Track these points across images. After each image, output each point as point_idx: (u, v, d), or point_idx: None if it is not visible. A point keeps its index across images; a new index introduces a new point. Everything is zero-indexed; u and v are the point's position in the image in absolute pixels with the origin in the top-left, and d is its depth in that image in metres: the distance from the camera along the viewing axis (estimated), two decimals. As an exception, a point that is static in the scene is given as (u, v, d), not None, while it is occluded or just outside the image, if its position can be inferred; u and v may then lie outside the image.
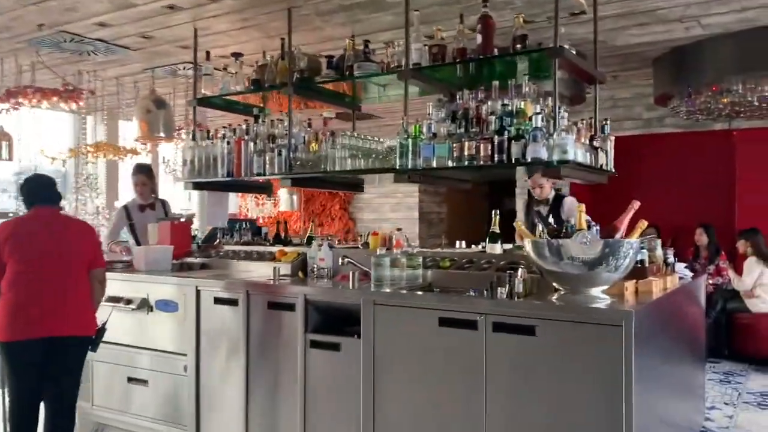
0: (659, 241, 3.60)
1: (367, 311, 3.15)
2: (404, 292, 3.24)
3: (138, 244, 4.86)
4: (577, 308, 2.69)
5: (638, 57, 6.02)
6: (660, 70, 6.16)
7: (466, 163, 3.42)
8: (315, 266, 3.95)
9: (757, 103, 5.44)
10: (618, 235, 2.89)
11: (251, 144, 4.29)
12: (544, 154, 3.22)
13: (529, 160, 3.25)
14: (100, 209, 6.37)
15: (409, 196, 10.14)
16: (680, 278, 3.64)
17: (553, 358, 2.67)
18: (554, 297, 2.88)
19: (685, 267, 3.93)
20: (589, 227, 3.06)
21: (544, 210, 4.64)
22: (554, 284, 2.96)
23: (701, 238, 6.84)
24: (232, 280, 3.71)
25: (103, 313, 3.60)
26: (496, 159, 3.33)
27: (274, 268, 3.79)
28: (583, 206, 2.98)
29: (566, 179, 3.56)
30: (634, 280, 3.03)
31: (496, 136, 3.34)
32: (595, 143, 3.63)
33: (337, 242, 4.75)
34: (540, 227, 3.10)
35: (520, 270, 3.07)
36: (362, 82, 4.39)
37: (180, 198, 8.67)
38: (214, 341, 3.71)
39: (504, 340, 2.79)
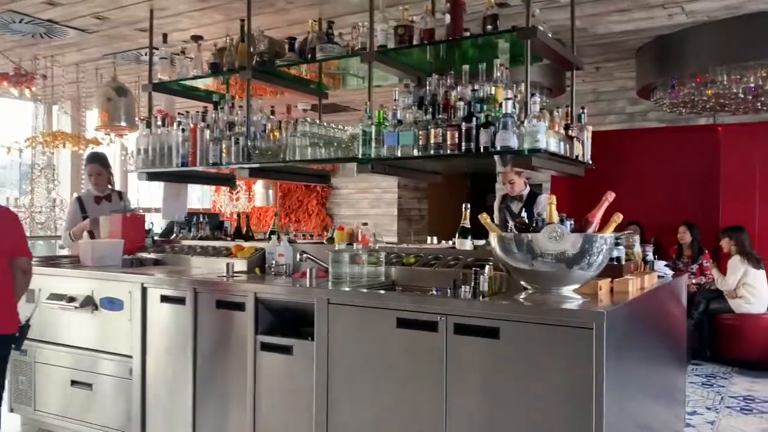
0: (637, 238, 3.37)
1: (321, 311, 2.90)
2: (364, 290, 2.98)
3: (92, 238, 4.57)
4: (544, 309, 2.45)
5: (621, 47, 5.81)
6: (643, 60, 5.95)
7: (432, 152, 3.19)
8: (274, 262, 3.71)
9: (742, 95, 5.24)
10: (591, 230, 2.66)
11: (207, 132, 4.03)
12: (514, 143, 2.99)
13: (498, 148, 3.01)
14: (57, 202, 6.05)
15: (388, 192, 9.88)
16: (660, 277, 3.41)
17: (517, 363, 2.45)
18: (521, 296, 2.65)
19: (666, 265, 3.71)
20: (561, 221, 2.83)
21: (516, 207, 4.39)
22: (522, 283, 2.72)
23: (684, 236, 6.66)
24: (179, 278, 3.43)
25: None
26: (463, 148, 3.10)
27: (227, 264, 3.54)
28: (554, 198, 2.74)
29: (540, 171, 3.31)
30: (609, 279, 2.81)
31: (463, 123, 3.11)
32: (570, 132, 3.40)
33: (311, 238, 4.53)
34: (510, 224, 2.87)
35: (486, 267, 2.84)
36: (341, 73, 4.19)
37: (152, 192, 8.36)
38: (161, 342, 3.45)
39: (466, 342, 2.56)
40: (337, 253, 3.25)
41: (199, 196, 10.82)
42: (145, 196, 7.20)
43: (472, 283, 2.74)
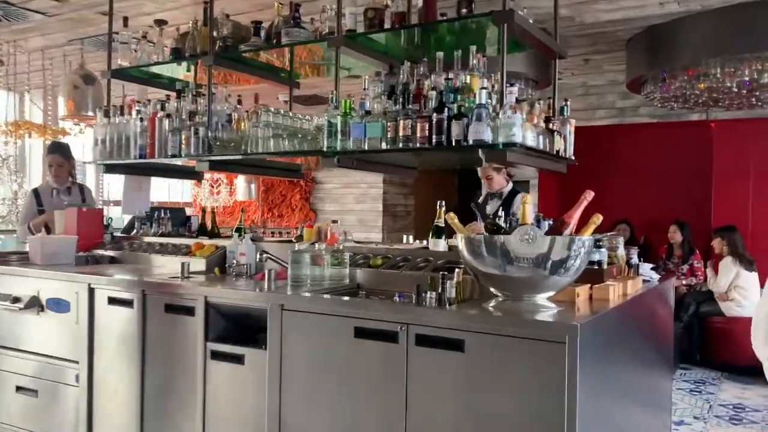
0: (622, 239, 3.14)
1: (274, 318, 2.65)
2: (321, 296, 2.73)
3: (48, 233, 4.31)
4: (511, 320, 2.21)
5: (610, 37, 5.56)
6: (633, 51, 5.71)
7: (401, 144, 2.94)
8: (235, 262, 3.47)
9: (736, 89, 5.00)
10: (567, 231, 2.42)
11: (166, 121, 3.77)
12: (488, 136, 2.74)
13: (470, 142, 2.77)
14: (21, 194, 5.76)
15: (374, 187, 9.62)
16: (645, 281, 3.18)
17: (484, 378, 2.21)
18: (491, 305, 2.41)
19: (652, 268, 3.48)
20: (538, 222, 2.60)
21: (495, 205, 4.13)
22: (492, 290, 2.48)
23: (675, 235, 6.44)
24: (127, 278, 3.18)
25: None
26: (434, 141, 2.85)
27: (182, 263, 3.28)
28: (528, 197, 2.50)
29: (517, 166, 3.08)
30: (588, 285, 2.57)
31: (434, 114, 2.86)
32: (551, 126, 3.16)
33: (279, 235, 4.29)
34: (481, 224, 2.63)
35: (455, 271, 2.60)
36: (325, 64, 3.95)
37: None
38: (109, 348, 3.21)
39: (428, 355, 2.32)
40: (297, 254, 3.01)
41: (180, 190, 10.57)
42: (116, 188, 6.92)
43: (438, 289, 2.51)
